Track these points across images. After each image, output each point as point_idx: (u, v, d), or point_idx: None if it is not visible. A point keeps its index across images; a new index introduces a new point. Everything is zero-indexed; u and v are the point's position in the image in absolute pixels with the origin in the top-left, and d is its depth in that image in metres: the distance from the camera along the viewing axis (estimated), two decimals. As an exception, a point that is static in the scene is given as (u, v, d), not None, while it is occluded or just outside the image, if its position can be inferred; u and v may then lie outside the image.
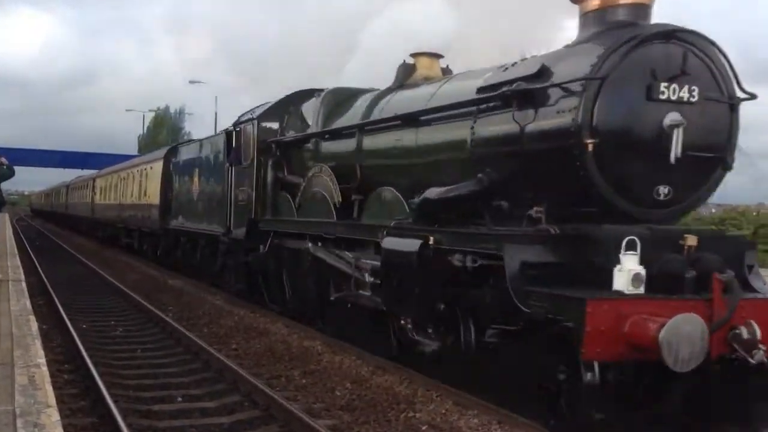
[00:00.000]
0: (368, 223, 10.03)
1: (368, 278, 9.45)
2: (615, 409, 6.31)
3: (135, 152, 64.57)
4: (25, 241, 32.01)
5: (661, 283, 6.55)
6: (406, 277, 8.08)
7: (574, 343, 6.09)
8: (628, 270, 6.44)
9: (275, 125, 13.98)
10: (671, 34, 7.20)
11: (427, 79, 10.74)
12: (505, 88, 7.88)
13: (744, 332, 6.22)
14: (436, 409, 7.81)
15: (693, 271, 6.60)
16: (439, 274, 7.77)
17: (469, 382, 8.11)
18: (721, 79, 7.42)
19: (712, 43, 7.41)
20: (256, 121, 14.03)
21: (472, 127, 8.41)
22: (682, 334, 5.90)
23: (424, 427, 7.33)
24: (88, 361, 9.30)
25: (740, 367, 6.29)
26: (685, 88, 7.10)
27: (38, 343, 7.62)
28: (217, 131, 22.70)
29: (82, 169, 58.61)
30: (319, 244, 11.34)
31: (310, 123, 12.74)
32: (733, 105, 7.46)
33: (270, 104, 14.35)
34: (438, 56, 11.29)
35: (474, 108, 8.49)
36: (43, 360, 6.87)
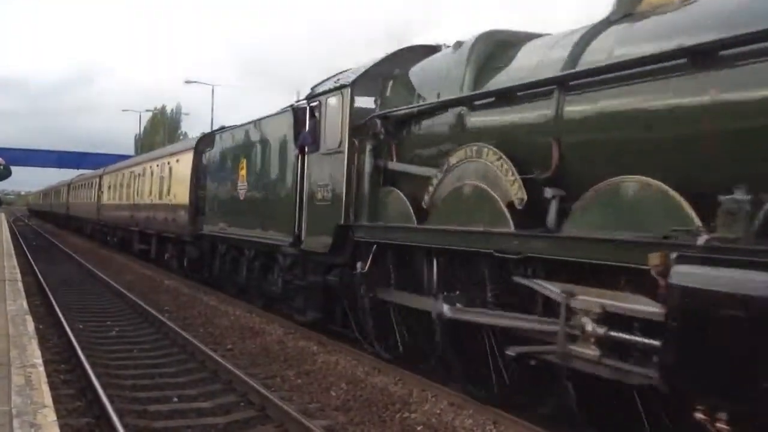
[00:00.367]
0: (614, 237, 5.90)
1: (598, 331, 5.93)
2: None
3: (132, 152, 64.60)
4: (21, 242, 31.99)
5: None
6: (743, 340, 4.63)
7: None
8: None
9: (368, 99, 10.39)
10: None
11: (658, 8, 6.81)
12: None
13: None
14: (431, 409, 7.83)
15: None
16: None
17: None
18: None
19: None
20: (348, 90, 10.30)
21: None
22: None
23: (419, 428, 7.36)
24: (85, 361, 9.31)
25: None
26: None
27: (35, 344, 7.65)
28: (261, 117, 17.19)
29: (78, 168, 58.63)
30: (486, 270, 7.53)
31: (420, 92, 9.43)
32: None
33: (365, 67, 10.62)
34: None
35: None
36: (39, 360, 6.89)
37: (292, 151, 12.13)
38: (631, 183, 5.99)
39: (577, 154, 6.91)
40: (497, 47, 8.58)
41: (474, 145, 7.88)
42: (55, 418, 5.23)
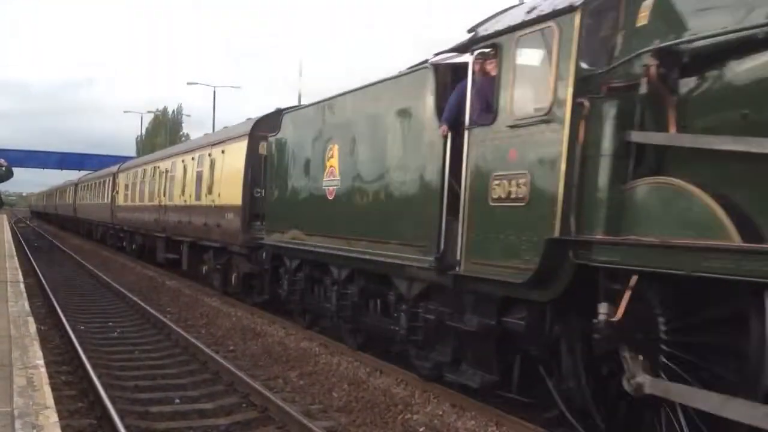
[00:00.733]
0: None
1: None
2: None
3: (133, 154, 64.67)
4: (23, 243, 32.01)
5: None
6: None
7: None
8: None
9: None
10: None
11: None
12: None
13: None
14: (434, 410, 7.83)
15: None
16: None
17: None
18: None
19: None
20: (576, 17, 6.28)
21: None
22: None
23: (421, 429, 7.35)
24: (86, 362, 9.30)
25: None
26: None
27: (36, 345, 7.64)
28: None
29: (80, 170, 58.72)
30: None
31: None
32: None
33: None
34: None
35: None
36: (41, 361, 6.89)
37: (431, 127, 8.33)
38: None
39: None
40: None
41: None
42: (56, 419, 5.22)
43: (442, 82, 8.44)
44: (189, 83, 60.23)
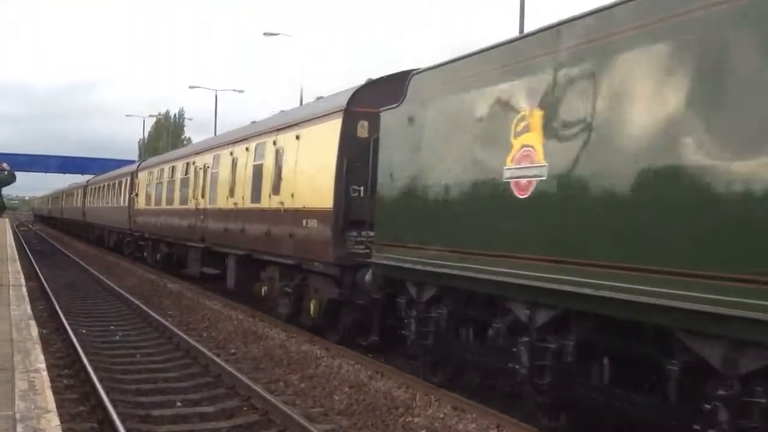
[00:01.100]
0: None
1: None
2: None
3: (135, 157, 64.83)
4: (25, 246, 32.07)
5: None
6: None
7: None
8: None
9: None
10: None
11: None
12: None
13: None
14: (435, 413, 7.82)
15: None
16: None
17: None
18: None
19: None
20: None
21: None
22: None
23: (422, 432, 7.36)
24: (88, 365, 9.32)
25: None
26: None
27: (38, 348, 7.65)
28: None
29: (82, 174, 58.87)
30: None
31: None
32: None
33: None
34: None
35: None
36: (43, 365, 6.89)
37: None
38: None
39: None
40: None
41: None
42: (58, 422, 5.23)
43: None
44: (191, 87, 60.25)
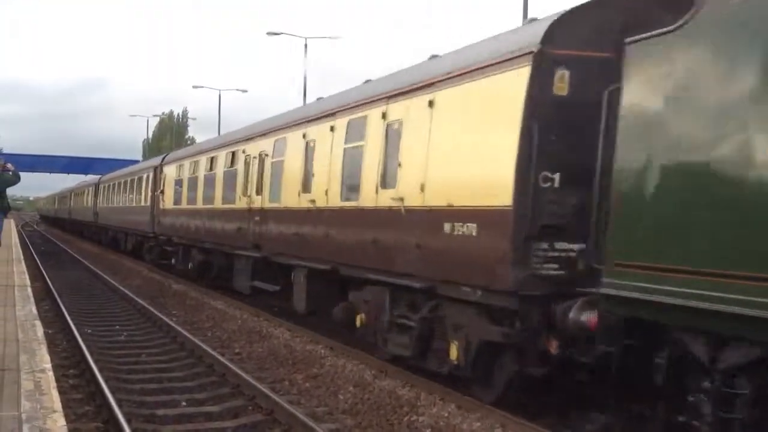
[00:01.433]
0: None
1: None
2: None
3: (139, 158, 64.95)
4: (30, 247, 32.13)
5: None
6: None
7: None
8: None
9: None
10: None
11: None
12: None
13: None
14: (439, 412, 7.83)
15: None
16: None
17: None
18: None
19: None
20: None
21: None
22: None
23: (427, 431, 7.36)
24: (93, 365, 9.35)
25: None
26: None
27: (44, 348, 7.68)
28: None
29: (86, 174, 58.98)
30: None
31: None
32: None
33: None
34: None
35: None
36: (48, 365, 6.92)
37: None
38: None
39: None
40: None
41: None
42: (64, 422, 5.25)
43: None
44: (195, 86, 60.19)
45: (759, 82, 5.12)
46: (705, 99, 5.57)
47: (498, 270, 7.42)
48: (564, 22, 7.35)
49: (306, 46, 36.36)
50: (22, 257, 19.53)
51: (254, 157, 14.89)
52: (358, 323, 10.35)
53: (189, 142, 74.14)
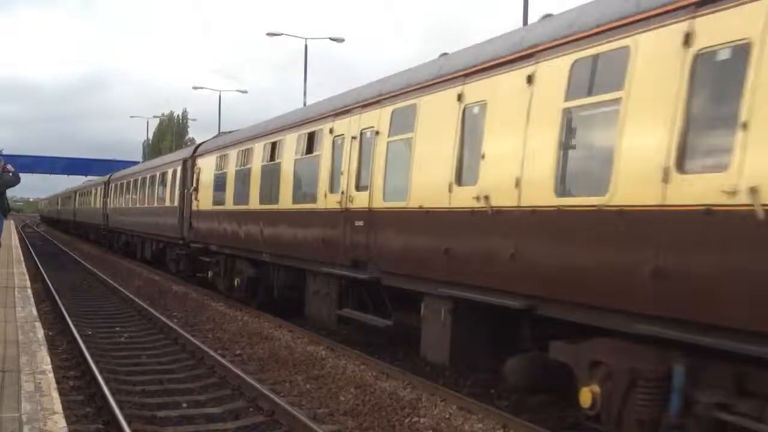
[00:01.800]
0: None
1: None
2: None
3: (140, 158, 65.00)
4: (30, 248, 32.12)
5: None
6: None
7: None
8: None
9: None
10: None
11: None
12: None
13: None
14: (441, 413, 7.81)
15: None
16: None
17: None
18: None
19: None
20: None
21: None
22: None
23: (428, 432, 7.35)
24: (94, 367, 9.33)
25: None
26: None
27: (44, 350, 7.67)
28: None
29: (86, 175, 59.00)
30: None
31: None
32: None
33: None
34: None
35: None
36: (49, 366, 6.91)
37: None
38: None
39: None
40: None
41: None
42: (64, 424, 5.24)
43: None
44: (195, 87, 60.44)
45: None
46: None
47: None
48: None
49: (306, 46, 36.35)
50: (22, 258, 19.53)
51: (353, 137, 10.76)
52: (584, 400, 6.30)
53: (189, 143, 74.13)
